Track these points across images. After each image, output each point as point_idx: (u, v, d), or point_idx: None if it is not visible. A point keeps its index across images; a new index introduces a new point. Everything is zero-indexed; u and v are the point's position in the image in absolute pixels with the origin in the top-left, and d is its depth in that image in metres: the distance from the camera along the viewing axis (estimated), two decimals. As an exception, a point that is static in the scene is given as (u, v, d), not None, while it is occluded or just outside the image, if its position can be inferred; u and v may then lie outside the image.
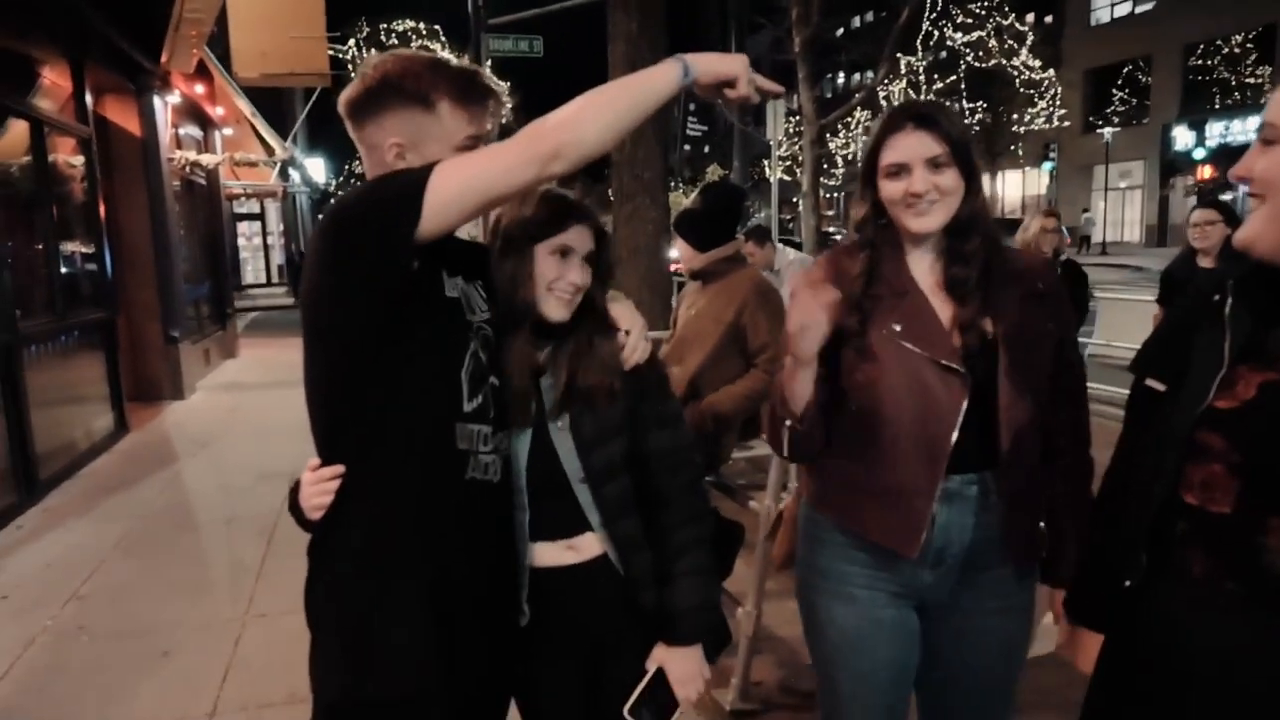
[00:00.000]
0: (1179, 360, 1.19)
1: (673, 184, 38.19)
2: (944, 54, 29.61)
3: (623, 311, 1.57)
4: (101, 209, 7.38)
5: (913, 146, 1.48)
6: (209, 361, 9.91)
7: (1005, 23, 29.11)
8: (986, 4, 29.18)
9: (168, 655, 3.30)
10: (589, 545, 1.49)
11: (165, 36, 7.60)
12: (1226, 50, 25.17)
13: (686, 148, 41.87)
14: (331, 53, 13.72)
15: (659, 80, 1.28)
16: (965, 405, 1.45)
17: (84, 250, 7.23)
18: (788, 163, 30.44)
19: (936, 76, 30.10)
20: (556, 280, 1.45)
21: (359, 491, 1.33)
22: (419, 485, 1.34)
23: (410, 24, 30.29)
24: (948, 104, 1.70)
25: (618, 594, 1.50)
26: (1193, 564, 1.13)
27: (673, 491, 1.52)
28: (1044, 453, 1.55)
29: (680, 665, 1.50)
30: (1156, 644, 1.19)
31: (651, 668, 1.50)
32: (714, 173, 33.89)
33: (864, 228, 1.59)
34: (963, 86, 29.90)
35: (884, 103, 31.57)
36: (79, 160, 7.12)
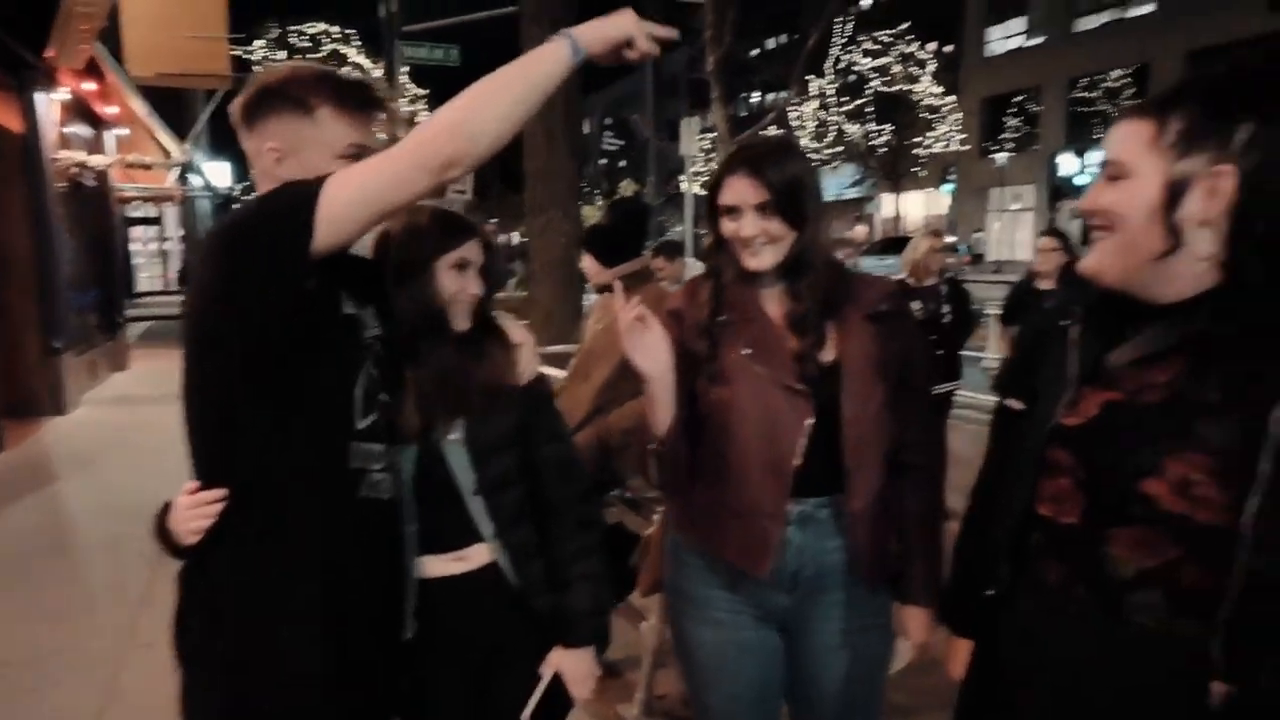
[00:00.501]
0: (1034, 381, 1.26)
1: (590, 198, 38.36)
2: (852, 78, 30.70)
3: (514, 329, 1.60)
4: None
5: (742, 192, 1.54)
6: (96, 374, 9.38)
7: (909, 50, 30.41)
8: (891, 32, 30.44)
9: (36, 691, 3.09)
10: (478, 555, 1.51)
11: (52, 29, 7.20)
12: (1106, 85, 26.83)
13: (603, 162, 42.05)
14: (238, 54, 13.28)
15: (548, 61, 1.23)
16: (810, 424, 1.51)
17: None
18: (704, 178, 30.94)
19: (846, 98, 31.18)
20: (458, 293, 1.48)
21: (244, 514, 1.29)
22: (310, 506, 1.30)
23: (323, 27, 29.59)
24: (794, 143, 1.77)
25: (506, 602, 1.52)
26: (1047, 573, 1.20)
27: (564, 501, 1.57)
28: (894, 471, 1.61)
29: (575, 666, 1.54)
30: (1015, 651, 1.25)
31: (547, 672, 1.53)
32: (628, 188, 34.15)
33: (711, 257, 1.66)
34: (870, 109, 31.03)
35: (795, 121, 32.60)
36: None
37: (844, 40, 30.65)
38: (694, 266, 6.17)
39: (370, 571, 1.38)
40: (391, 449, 1.41)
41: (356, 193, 1.19)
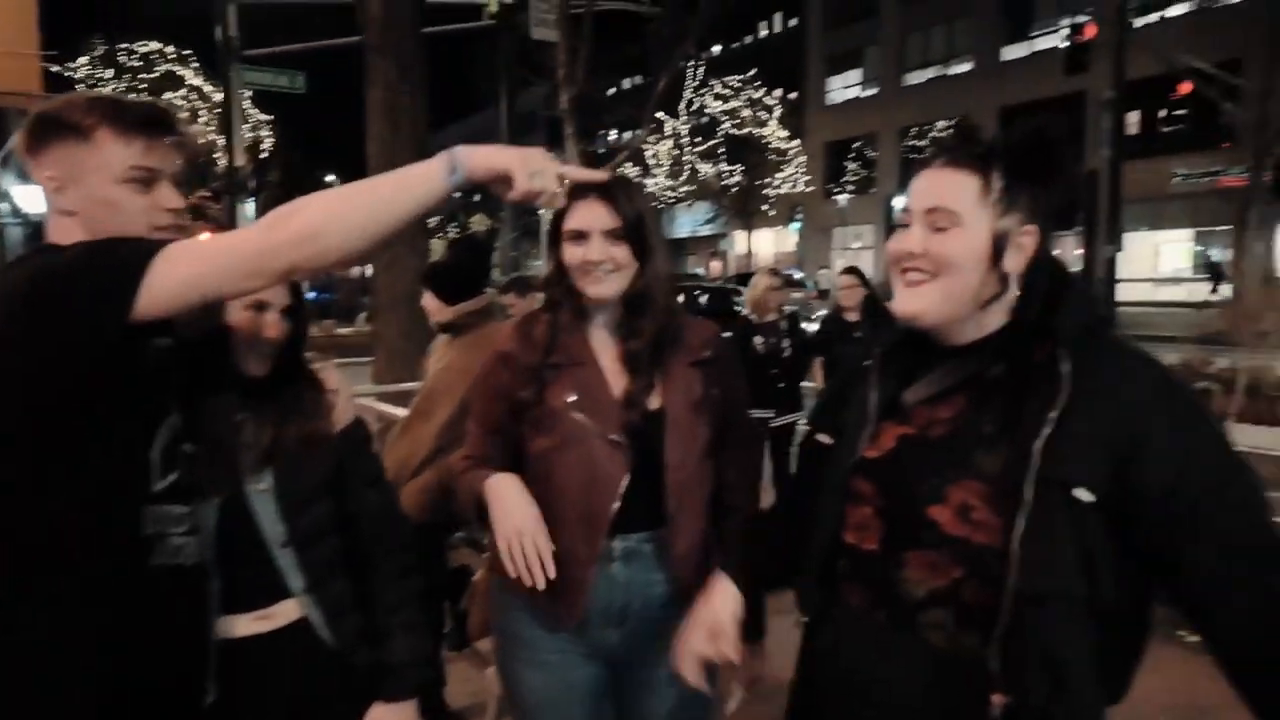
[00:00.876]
0: (841, 417, 1.35)
1: (444, 232, 37.76)
2: (705, 119, 31.89)
3: (329, 373, 1.55)
4: None
5: (592, 216, 1.55)
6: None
7: (757, 96, 31.97)
8: (741, 78, 31.92)
9: None
10: (285, 612, 1.44)
11: None
12: (932, 133, 29.16)
13: (457, 195, 41.58)
14: (60, 71, 12.29)
15: (418, 182, 1.18)
16: (626, 480, 1.54)
17: None
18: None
19: (699, 139, 32.34)
20: (251, 337, 1.41)
21: (17, 587, 1.18)
22: (89, 575, 1.20)
23: (156, 46, 27.89)
24: (636, 181, 1.82)
25: (318, 659, 1.45)
26: (851, 597, 1.27)
27: (383, 550, 1.53)
28: (716, 510, 1.66)
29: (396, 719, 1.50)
30: (828, 673, 1.32)
31: None
32: (480, 222, 33.92)
33: (550, 288, 1.66)
34: (721, 150, 32.31)
35: (650, 160, 33.45)
36: None
37: (695, 84, 31.86)
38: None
39: (162, 641, 1.28)
40: (197, 507, 1.33)
41: (188, 277, 1.12)
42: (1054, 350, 1.13)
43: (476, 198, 41.51)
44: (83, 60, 26.54)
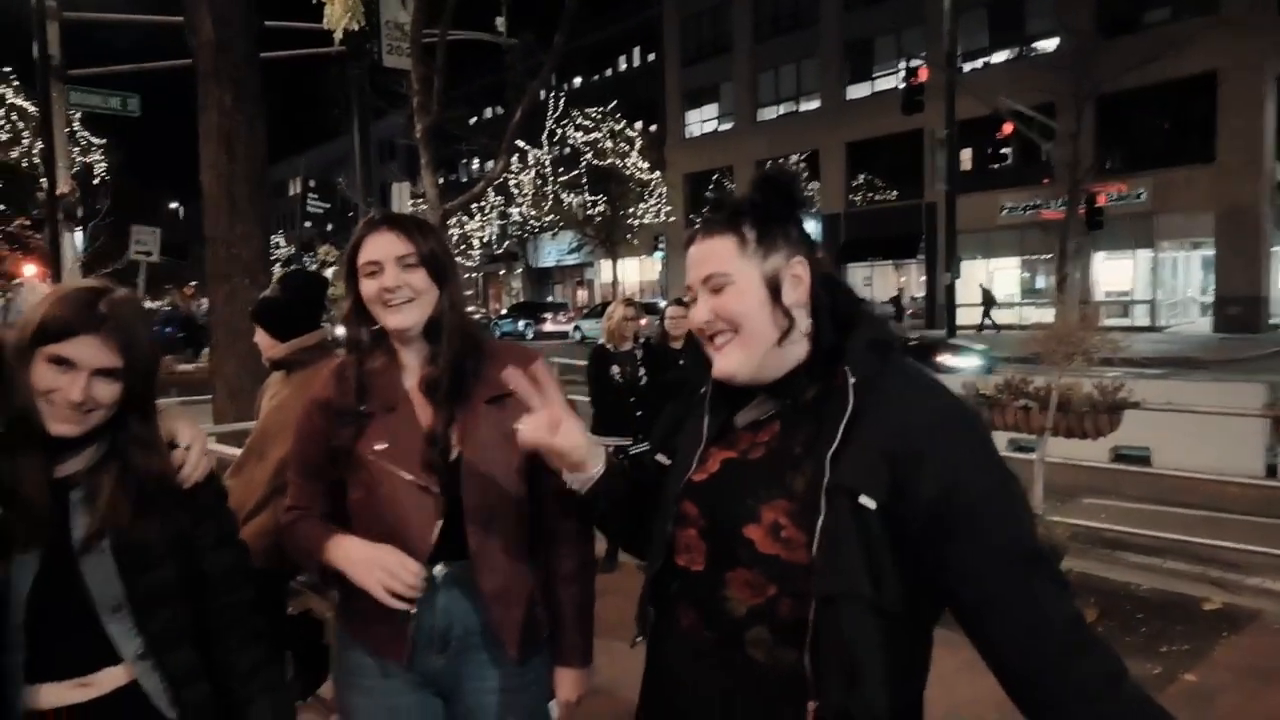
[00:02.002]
0: (675, 441, 1.39)
1: (298, 262, 36.23)
2: (568, 150, 32.18)
3: (182, 426, 1.46)
4: None
5: (384, 245, 1.57)
6: None
7: (618, 128, 32.57)
8: (602, 110, 32.46)
9: None
10: (108, 679, 1.33)
11: None
12: (785, 164, 30.59)
13: (308, 224, 40.10)
14: None
15: None
16: (439, 524, 1.54)
17: None
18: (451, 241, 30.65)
19: (562, 170, 32.58)
20: (53, 394, 1.29)
21: None
22: None
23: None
24: (459, 219, 1.83)
25: None
26: (682, 618, 1.30)
27: (234, 614, 1.46)
28: (538, 536, 1.66)
29: None
30: (662, 694, 1.34)
31: None
32: (328, 253, 32.99)
33: (350, 326, 1.65)
34: (584, 180, 32.67)
35: (513, 189, 33.42)
36: None
37: (557, 114, 32.15)
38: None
39: None
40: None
41: None
42: (844, 366, 1.21)
43: (330, 227, 40.24)
44: None
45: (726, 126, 34.76)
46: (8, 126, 24.90)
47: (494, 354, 1.65)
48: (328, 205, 35.57)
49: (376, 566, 1.50)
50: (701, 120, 36.06)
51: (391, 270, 1.55)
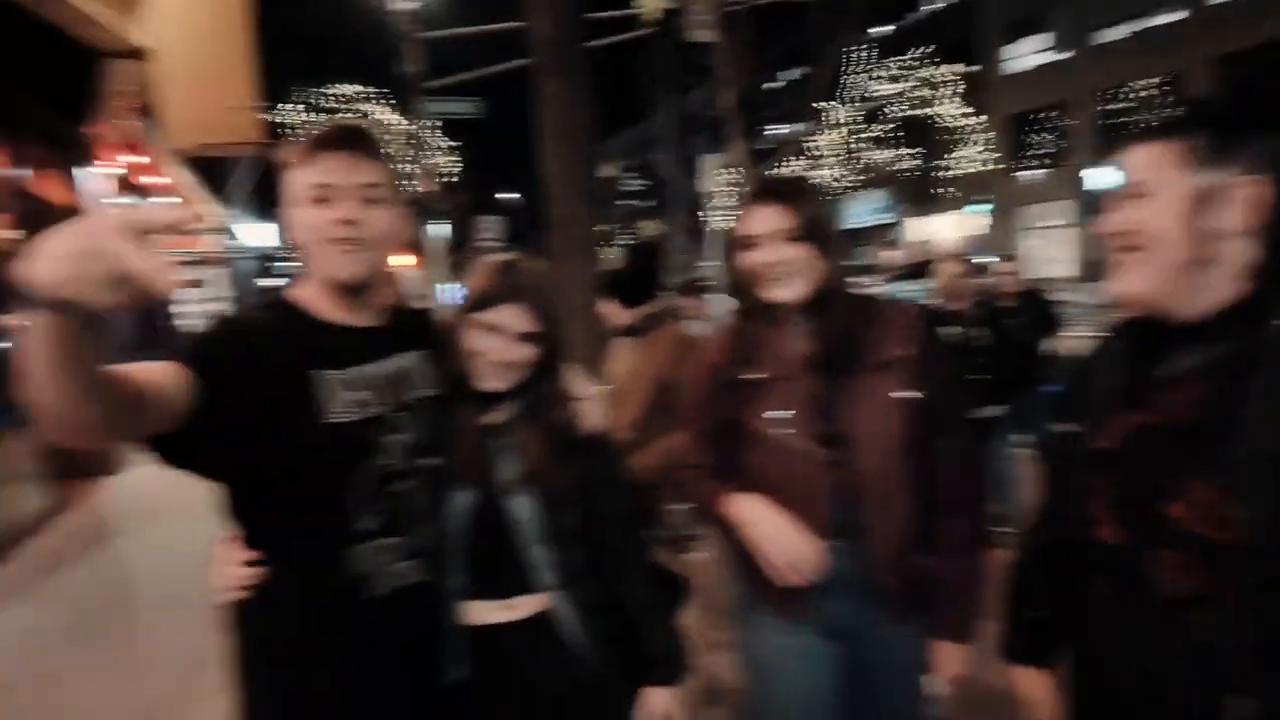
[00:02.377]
0: (1079, 405, 1.28)
1: (613, 240, 38.69)
2: (874, 104, 30.75)
3: (579, 382, 1.63)
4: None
5: (766, 220, 1.57)
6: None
7: (930, 74, 30.43)
8: (912, 57, 30.52)
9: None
10: (528, 605, 1.53)
11: (92, 109, 7.58)
12: (1135, 95, 26.51)
13: (627, 203, 42.51)
14: (270, 118, 13.76)
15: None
16: (830, 491, 1.55)
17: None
18: (726, 213, 31.10)
19: (868, 125, 31.23)
20: (486, 353, 1.50)
21: (264, 586, 1.36)
22: (310, 614, 1.36)
23: (350, 89, 30.50)
24: (807, 180, 1.82)
25: (557, 651, 1.53)
26: (1106, 592, 1.20)
27: (630, 550, 1.59)
28: (928, 508, 1.61)
29: (662, 704, 1.58)
30: (1095, 671, 1.25)
31: (643, 714, 1.57)
32: (650, 228, 34.45)
33: (739, 296, 1.69)
34: (895, 134, 31.02)
35: (815, 151, 32.74)
36: (17, 235, 7.00)
37: (864, 68, 30.80)
38: (720, 303, 6.22)
39: (393, 640, 1.42)
40: (420, 529, 1.44)
41: None
42: None
43: (645, 204, 42.43)
44: (289, 107, 29.45)
45: (1057, 56, 30.99)
46: (380, 139, 29.40)
47: (879, 318, 1.62)
48: (647, 184, 37.48)
49: (780, 543, 1.55)
50: (1025, 53, 32.51)
51: (774, 246, 1.56)
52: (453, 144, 29.99)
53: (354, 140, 1.36)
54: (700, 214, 29.46)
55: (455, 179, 28.68)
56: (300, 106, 29.62)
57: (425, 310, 1.64)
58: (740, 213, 1.63)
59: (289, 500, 1.32)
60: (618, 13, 12.67)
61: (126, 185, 10.10)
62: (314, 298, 1.40)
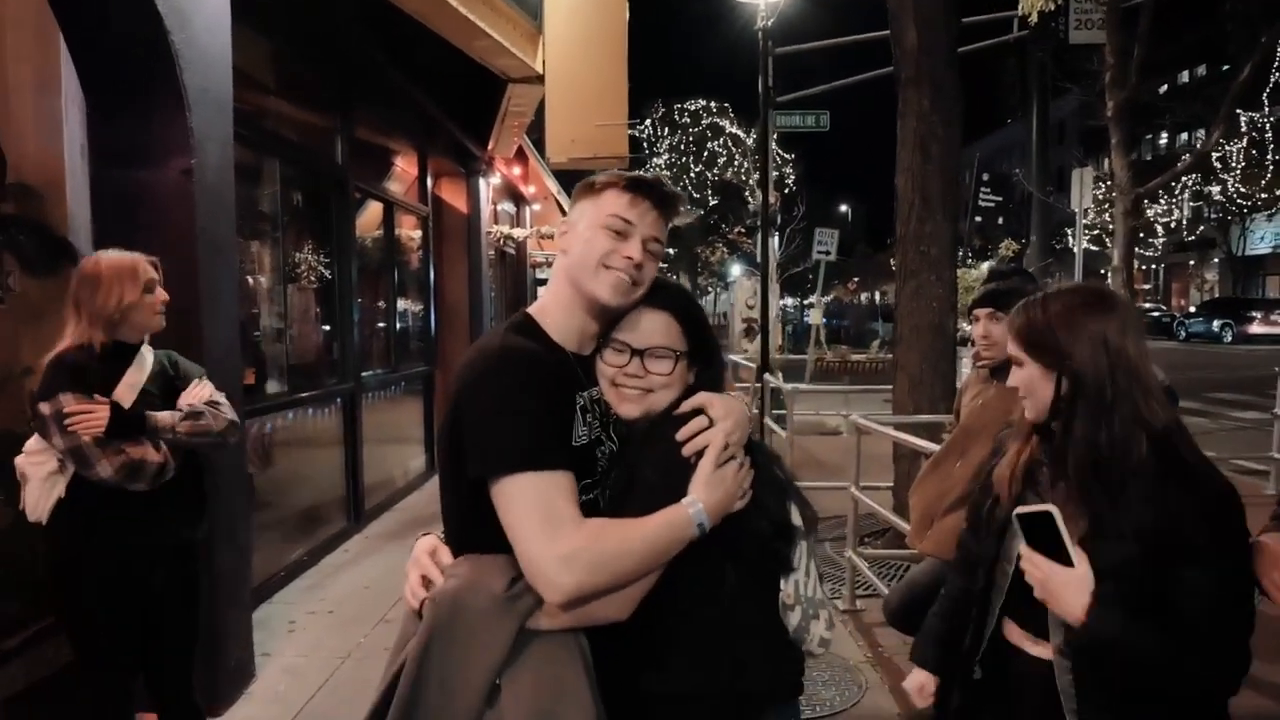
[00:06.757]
0: None
1: (961, 257, 36.31)
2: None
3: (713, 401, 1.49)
4: (431, 276, 8.52)
5: None
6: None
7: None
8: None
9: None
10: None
11: (493, 127, 8.70)
12: None
13: (978, 219, 39.68)
14: (629, 133, 14.88)
15: (677, 536, 1.29)
16: None
17: (415, 311, 8.36)
18: (1094, 232, 27.77)
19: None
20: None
21: None
22: None
23: (701, 103, 32.13)
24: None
25: None
26: None
27: None
28: None
29: None
30: None
31: None
32: (1008, 247, 31.67)
33: None
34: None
35: (1217, 164, 27.98)
36: (418, 234, 8.29)
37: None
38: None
39: None
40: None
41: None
42: None
43: (1000, 220, 39.33)
44: (647, 122, 31.71)
45: None
46: (725, 152, 30.62)
47: None
48: (999, 199, 34.77)
49: None
50: None
51: None
52: (785, 155, 30.38)
53: (666, 201, 1.47)
54: (1066, 230, 26.65)
55: (790, 190, 28.93)
56: (653, 121, 31.82)
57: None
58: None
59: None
60: (982, 17, 11.85)
61: (508, 192, 11.50)
62: (555, 327, 1.48)
